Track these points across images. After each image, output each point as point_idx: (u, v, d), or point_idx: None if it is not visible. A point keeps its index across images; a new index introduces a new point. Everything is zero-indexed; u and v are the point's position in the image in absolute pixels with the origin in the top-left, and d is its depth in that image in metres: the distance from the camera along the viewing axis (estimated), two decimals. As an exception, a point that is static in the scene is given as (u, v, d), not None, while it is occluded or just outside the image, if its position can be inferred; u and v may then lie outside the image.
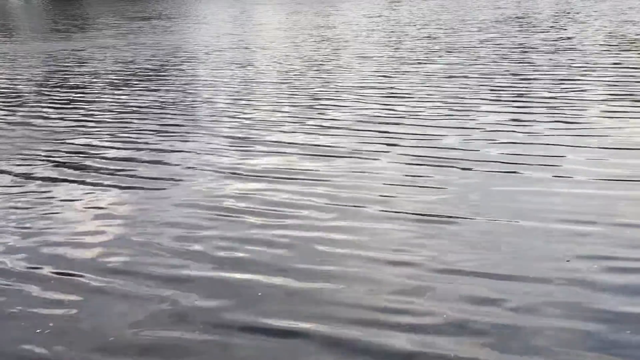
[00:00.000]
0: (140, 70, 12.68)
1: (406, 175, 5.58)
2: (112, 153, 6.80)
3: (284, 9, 29.01)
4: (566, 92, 8.53)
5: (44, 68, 13.90)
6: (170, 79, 11.49)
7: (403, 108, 8.19)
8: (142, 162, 6.44)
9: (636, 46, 12.20)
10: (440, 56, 12.41)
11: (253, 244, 4.38)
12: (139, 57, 14.62)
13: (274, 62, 12.94)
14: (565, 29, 15.52)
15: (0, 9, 40.91)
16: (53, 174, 6.19)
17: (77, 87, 11.21)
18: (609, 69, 10.02)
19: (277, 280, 3.87)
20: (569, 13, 19.57)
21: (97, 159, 6.60)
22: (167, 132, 7.62)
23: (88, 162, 6.50)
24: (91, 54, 15.76)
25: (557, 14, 19.34)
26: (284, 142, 6.81)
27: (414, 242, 4.27)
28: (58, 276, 4.05)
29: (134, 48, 16.46)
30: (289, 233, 4.54)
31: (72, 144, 7.28)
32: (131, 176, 5.99)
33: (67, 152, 6.91)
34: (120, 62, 13.96)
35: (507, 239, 4.26)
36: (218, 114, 8.45)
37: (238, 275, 3.95)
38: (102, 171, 6.18)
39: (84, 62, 14.29)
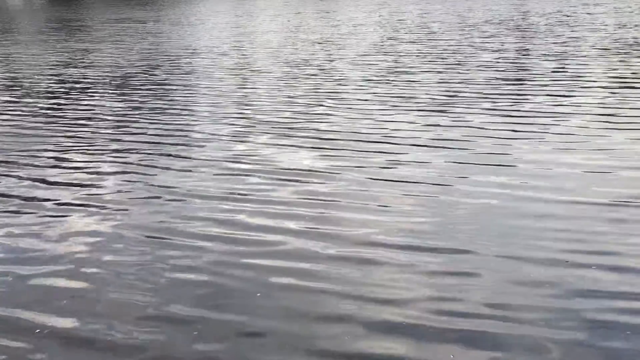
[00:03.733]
0: (118, 76, 12.24)
1: (392, 197, 5.19)
2: (74, 169, 6.43)
3: (271, 11, 28.63)
4: (565, 101, 8.17)
5: (16, 73, 13.44)
6: (146, 86, 11.04)
7: (386, 118, 7.79)
8: (104, 178, 6.06)
9: (635, 50, 11.86)
10: (429, 61, 12.02)
11: (221, 277, 4.00)
12: (118, 62, 14.18)
13: (257, 68, 12.53)
14: (561, 34, 15.19)
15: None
16: (16, 191, 5.80)
17: (49, 93, 10.78)
18: (609, 76, 9.68)
19: (246, 321, 3.50)
20: (567, 16, 19.25)
21: (64, 175, 6.22)
22: (132, 143, 7.23)
23: (47, 181, 6.11)
24: (68, 58, 15.31)
25: (550, 18, 19.02)
26: (258, 159, 6.39)
27: (402, 277, 3.89)
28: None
29: (114, 52, 16.01)
30: (261, 263, 4.16)
31: (42, 157, 6.89)
32: (91, 195, 5.62)
33: (34, 167, 6.53)
34: (97, 68, 13.52)
35: (502, 273, 3.89)
36: (191, 125, 8.01)
37: (207, 315, 3.57)
38: (59, 190, 5.79)
39: (60, 67, 13.85)
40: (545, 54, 12.07)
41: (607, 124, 7.01)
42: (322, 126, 7.57)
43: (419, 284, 3.80)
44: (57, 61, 14.84)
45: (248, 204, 5.17)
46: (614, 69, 10.18)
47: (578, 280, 3.74)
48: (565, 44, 13.24)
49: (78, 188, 5.82)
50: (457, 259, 4.07)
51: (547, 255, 4.05)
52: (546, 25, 17.06)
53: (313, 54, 13.96)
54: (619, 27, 15.58)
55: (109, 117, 8.68)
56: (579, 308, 3.46)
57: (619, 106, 7.75)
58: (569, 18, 18.49)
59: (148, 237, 4.66)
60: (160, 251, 4.41)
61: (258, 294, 3.78)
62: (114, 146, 7.19)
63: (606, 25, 16.23)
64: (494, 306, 3.52)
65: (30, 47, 18.12)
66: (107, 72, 12.83)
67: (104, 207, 5.30)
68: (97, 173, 6.24)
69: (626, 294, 3.57)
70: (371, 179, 5.64)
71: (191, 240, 4.55)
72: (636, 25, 15.79)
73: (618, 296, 3.56)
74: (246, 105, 9.04)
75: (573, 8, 21.37)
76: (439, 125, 7.35)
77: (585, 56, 11.60)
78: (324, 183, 5.58)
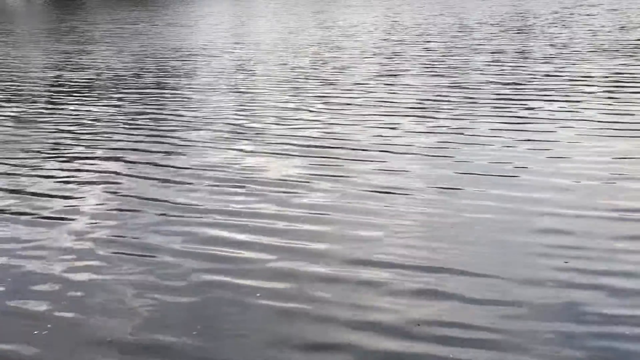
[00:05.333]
0: (105, 80, 11.96)
1: (385, 211, 4.93)
2: (55, 178, 6.19)
3: (264, 13, 28.37)
4: (565, 107, 7.90)
5: (1, 76, 13.15)
6: (133, 90, 10.75)
7: (380, 125, 7.50)
8: (85, 189, 5.83)
9: (633, 53, 11.61)
10: (424, 65, 11.77)
11: (204, 299, 3.77)
12: (107, 65, 13.88)
13: (247, 71, 12.27)
14: (559, 36, 14.92)
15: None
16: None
17: (33, 97, 10.50)
18: (610, 79, 9.42)
19: (230, 348, 3.27)
20: (563, 18, 18.99)
21: (45, 184, 5.99)
22: (117, 150, 6.99)
23: (27, 190, 5.88)
24: (57, 60, 15.01)
25: (547, 19, 18.75)
26: (246, 168, 6.15)
27: (393, 299, 3.66)
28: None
29: (104, 55, 15.70)
30: (245, 283, 3.92)
31: (23, 165, 6.65)
32: (71, 207, 5.39)
33: (16, 175, 6.29)
34: (84, 70, 13.22)
35: (500, 294, 3.65)
36: (178, 132, 7.74)
37: (189, 341, 3.33)
38: (40, 201, 5.56)
39: (47, 70, 13.55)
40: (543, 57, 11.81)
41: (610, 130, 6.76)
42: (313, 133, 7.30)
43: (410, 306, 3.58)
44: (44, 64, 14.57)
45: (234, 218, 4.93)
46: (615, 73, 9.92)
47: (578, 301, 3.53)
48: (565, 46, 12.96)
49: (58, 199, 5.61)
50: (451, 280, 3.83)
51: (548, 274, 3.82)
52: (543, 26, 16.80)
53: (305, 57, 13.67)
54: (619, 29, 15.30)
55: (95, 123, 8.43)
56: (576, 332, 3.25)
57: (622, 112, 7.48)
58: (566, 20, 18.22)
59: (129, 254, 4.43)
60: (141, 269, 4.18)
61: (242, 317, 3.55)
62: (98, 154, 6.96)
63: (603, 26, 15.96)
64: (489, 330, 3.30)
65: (19, 49, 17.82)
66: (94, 75, 12.54)
67: (84, 221, 5.06)
68: (80, 183, 6.01)
69: (626, 318, 3.34)
70: (362, 190, 5.39)
71: (174, 258, 4.32)
72: (635, 27, 15.53)
73: (618, 320, 3.34)
74: (235, 110, 8.78)
75: (570, 9, 21.11)
76: (433, 132, 7.10)
77: (584, 59, 11.34)
78: (314, 195, 5.34)
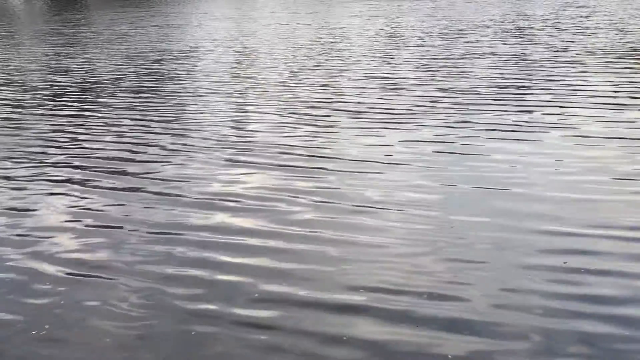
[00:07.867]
0: (86, 84, 11.68)
1: (376, 230, 4.66)
2: (24, 191, 5.93)
3: (259, 15, 28.12)
4: (567, 114, 7.61)
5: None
6: (115, 94, 10.48)
7: (372, 133, 7.23)
8: (56, 204, 5.56)
9: (632, 57, 11.35)
10: (417, 69, 11.48)
11: (185, 325, 3.52)
12: (93, 68, 13.61)
13: (233, 75, 11.99)
14: (556, 39, 14.67)
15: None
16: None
17: (11, 102, 10.21)
18: (611, 85, 9.15)
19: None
20: (559, 21, 18.77)
21: (16, 200, 5.71)
22: (90, 160, 6.72)
23: None
24: (42, 63, 14.73)
25: (544, 21, 18.51)
26: (228, 181, 5.87)
27: (384, 332, 3.38)
28: None
29: (91, 57, 15.42)
30: (229, 312, 3.64)
31: None
32: (38, 225, 5.11)
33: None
34: (67, 74, 12.94)
35: (500, 328, 3.37)
36: (158, 139, 7.45)
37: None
38: (9, 217, 5.30)
39: (28, 73, 13.28)
40: (540, 61, 11.53)
41: (612, 140, 6.46)
42: (301, 144, 6.97)
43: (404, 340, 3.30)
44: (29, 67, 14.27)
45: (215, 236, 4.66)
46: (614, 78, 9.63)
47: (579, 331, 3.28)
48: (564, 50, 12.68)
49: (30, 212, 5.34)
50: (449, 313, 3.54)
51: (546, 301, 3.56)
52: (540, 29, 16.54)
53: (296, 61, 13.37)
54: (616, 32, 15.04)
55: (74, 130, 8.13)
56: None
57: (624, 120, 7.18)
58: (563, 23, 17.98)
59: (97, 275, 4.18)
60: (111, 290, 3.94)
61: (226, 349, 3.31)
62: (75, 163, 6.67)
63: (600, 29, 15.71)
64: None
65: (8, 51, 17.52)
66: (79, 79, 12.24)
67: (55, 239, 4.78)
68: (54, 195, 5.74)
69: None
70: (352, 205, 5.11)
71: (151, 282, 4.06)
72: (631, 30, 15.28)
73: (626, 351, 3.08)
74: (221, 118, 8.44)
75: (567, 11, 20.88)
76: (426, 141, 6.81)
77: (582, 63, 11.06)
78: (301, 210, 5.06)
